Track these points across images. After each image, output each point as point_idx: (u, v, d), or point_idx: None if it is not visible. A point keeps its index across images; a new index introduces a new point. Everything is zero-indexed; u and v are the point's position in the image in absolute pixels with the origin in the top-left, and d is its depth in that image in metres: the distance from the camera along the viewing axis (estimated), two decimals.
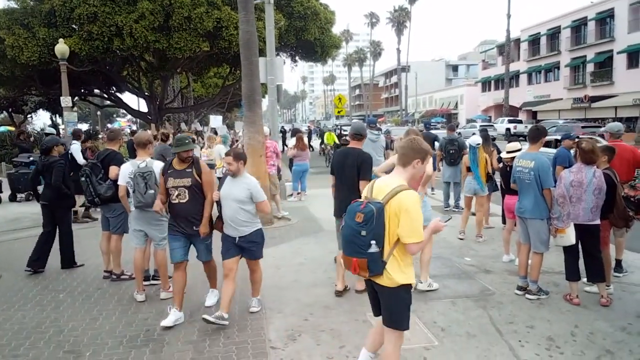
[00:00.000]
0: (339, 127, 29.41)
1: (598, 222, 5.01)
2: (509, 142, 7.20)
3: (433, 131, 16.05)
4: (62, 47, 16.23)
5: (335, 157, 5.67)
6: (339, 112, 27.51)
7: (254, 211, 4.76)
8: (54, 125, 27.85)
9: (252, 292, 5.12)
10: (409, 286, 3.10)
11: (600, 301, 4.99)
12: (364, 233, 2.93)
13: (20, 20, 19.38)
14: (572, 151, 6.84)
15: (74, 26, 19.43)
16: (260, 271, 5.06)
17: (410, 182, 3.14)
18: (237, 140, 24.91)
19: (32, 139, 20.17)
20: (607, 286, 5.20)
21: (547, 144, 12.42)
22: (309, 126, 50.98)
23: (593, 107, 38.03)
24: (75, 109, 25.09)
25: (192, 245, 4.97)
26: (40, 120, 52.38)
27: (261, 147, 9.31)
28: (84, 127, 39.06)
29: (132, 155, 9.90)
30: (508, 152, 6.55)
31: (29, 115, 36.96)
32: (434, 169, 9.45)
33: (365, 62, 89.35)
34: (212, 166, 12.31)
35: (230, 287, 4.73)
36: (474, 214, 8.59)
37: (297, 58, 28.08)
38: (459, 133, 18.73)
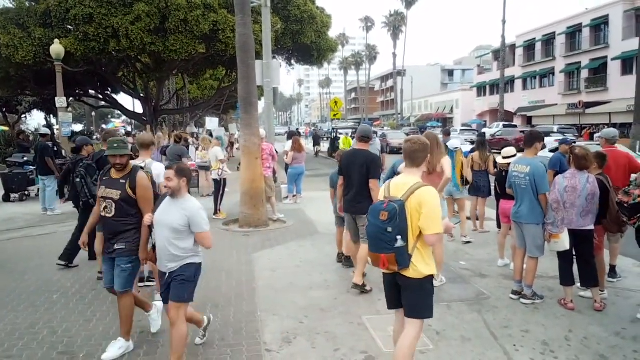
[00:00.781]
0: (335, 130, 29.49)
1: (592, 227, 5.05)
2: (503, 147, 7.27)
3: None
4: (57, 48, 16.18)
5: (344, 158, 5.84)
6: (334, 115, 27.58)
7: (191, 244, 3.82)
8: (49, 125, 27.74)
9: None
10: (431, 277, 3.36)
11: (594, 306, 5.01)
12: (389, 230, 3.18)
13: (16, 20, 19.30)
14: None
15: (69, 27, 19.36)
16: (183, 329, 3.74)
17: (424, 178, 3.45)
18: (232, 143, 25.02)
19: (30, 138, 20.14)
20: (601, 291, 5.23)
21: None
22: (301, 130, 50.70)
23: (587, 113, 38.26)
24: (69, 109, 25.01)
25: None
26: (35, 120, 52.06)
27: (257, 150, 9.32)
28: (78, 127, 38.94)
29: None
30: (504, 158, 6.59)
31: (23, 116, 36.74)
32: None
33: (361, 65, 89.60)
34: (207, 168, 12.32)
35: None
36: (468, 218, 8.66)
37: (293, 61, 28.11)
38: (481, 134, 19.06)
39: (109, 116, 68.90)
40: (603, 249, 5.50)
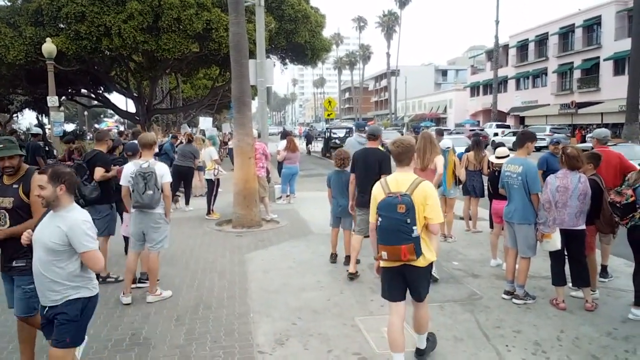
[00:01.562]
0: (329, 130, 29.45)
1: (583, 227, 5.06)
2: (497, 147, 7.30)
3: None
4: (49, 46, 16.06)
5: (355, 156, 6.23)
6: (328, 115, 27.58)
7: (77, 269, 3.12)
8: (41, 125, 27.55)
9: None
10: (432, 263, 3.75)
11: (585, 306, 5.03)
12: (408, 221, 3.43)
13: (7, 19, 19.14)
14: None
15: (61, 25, 19.23)
16: None
17: (417, 175, 3.78)
18: (226, 142, 24.92)
19: (22, 137, 20.03)
20: (592, 291, 5.24)
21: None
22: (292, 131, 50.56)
23: (580, 113, 38.53)
24: (61, 108, 24.83)
25: None
26: (26, 119, 51.75)
27: (250, 150, 9.28)
28: (70, 127, 38.67)
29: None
30: (497, 158, 6.61)
31: (14, 115, 36.47)
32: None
33: (355, 65, 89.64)
34: (201, 168, 12.27)
35: None
36: (461, 218, 8.69)
37: (287, 61, 28.04)
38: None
39: (102, 115, 68.48)
40: (595, 249, 5.52)
